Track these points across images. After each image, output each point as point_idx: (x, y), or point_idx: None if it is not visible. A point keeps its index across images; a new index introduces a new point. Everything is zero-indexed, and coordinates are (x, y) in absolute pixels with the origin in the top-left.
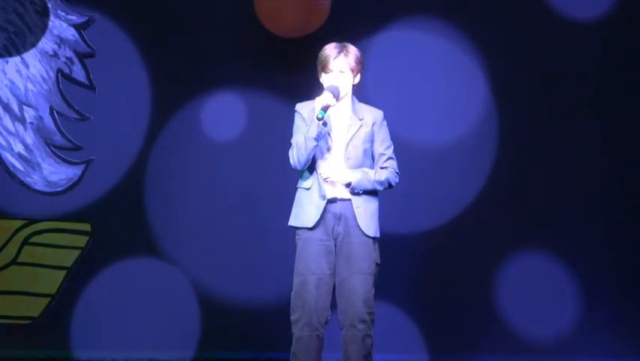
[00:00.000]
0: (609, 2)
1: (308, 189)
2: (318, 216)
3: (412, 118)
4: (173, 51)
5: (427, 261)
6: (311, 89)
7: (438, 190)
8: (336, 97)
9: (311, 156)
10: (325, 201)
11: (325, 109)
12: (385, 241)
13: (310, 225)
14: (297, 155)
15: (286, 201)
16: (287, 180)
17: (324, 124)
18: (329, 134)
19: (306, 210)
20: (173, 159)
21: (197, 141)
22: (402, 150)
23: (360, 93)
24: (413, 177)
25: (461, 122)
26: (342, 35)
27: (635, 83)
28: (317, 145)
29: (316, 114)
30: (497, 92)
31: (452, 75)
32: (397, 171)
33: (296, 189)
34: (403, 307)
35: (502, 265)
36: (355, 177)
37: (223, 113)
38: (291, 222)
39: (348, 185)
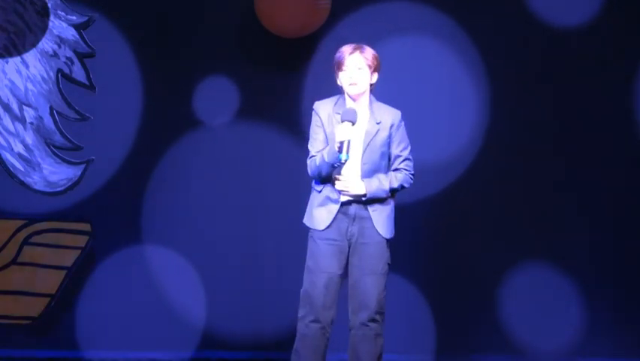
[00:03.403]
0: (593, 10)
1: (319, 191)
2: (330, 220)
3: (410, 118)
4: (170, 51)
5: (426, 263)
6: (311, 89)
7: (439, 201)
8: (354, 123)
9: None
10: (338, 205)
11: (346, 149)
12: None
13: (321, 228)
14: (316, 171)
15: (287, 198)
16: (287, 179)
17: (341, 163)
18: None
19: (317, 213)
20: (173, 159)
21: (197, 142)
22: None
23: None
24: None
25: (460, 128)
26: (342, 36)
27: (629, 86)
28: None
29: (340, 157)
30: (494, 97)
31: (448, 78)
32: (412, 172)
33: (311, 188)
34: (403, 305)
35: (503, 271)
36: (370, 188)
37: (222, 113)
38: (305, 220)
39: (363, 196)
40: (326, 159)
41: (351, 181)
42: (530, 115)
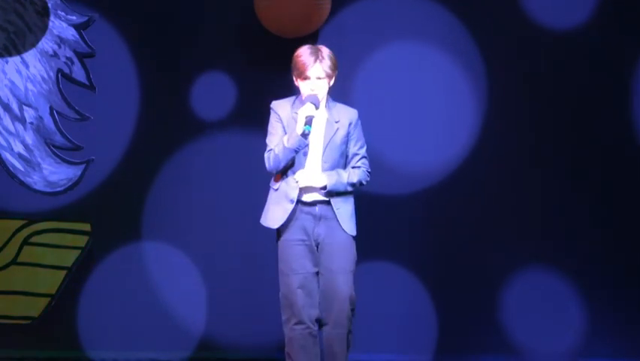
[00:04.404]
0: (590, 12)
1: (276, 190)
2: (284, 219)
3: (410, 116)
4: (170, 51)
5: (426, 264)
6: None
7: (443, 201)
8: (317, 107)
9: (288, 164)
10: (293, 204)
11: (309, 122)
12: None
13: (275, 226)
14: (274, 162)
15: None
16: None
17: (304, 136)
18: (307, 145)
19: (272, 210)
20: (172, 159)
21: (197, 141)
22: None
23: (360, 89)
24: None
25: (459, 127)
26: (342, 36)
27: (624, 88)
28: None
29: (302, 129)
30: (493, 97)
31: (447, 79)
32: (369, 170)
33: (269, 187)
34: (403, 306)
35: (503, 272)
36: (330, 180)
37: (222, 114)
38: (262, 219)
39: (323, 188)
40: (286, 145)
41: (312, 173)
42: (529, 116)
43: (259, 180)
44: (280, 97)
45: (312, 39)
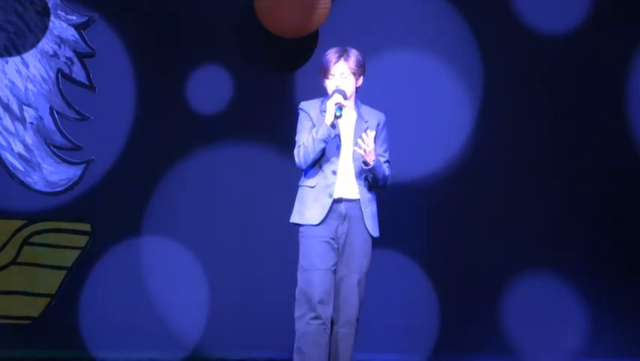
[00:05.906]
0: (585, 15)
1: (313, 187)
2: (324, 215)
3: (412, 115)
4: (169, 51)
5: (426, 264)
6: (310, 89)
7: (445, 203)
8: (345, 98)
9: (318, 157)
10: (332, 200)
11: (340, 107)
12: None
13: (315, 222)
14: (303, 155)
15: (287, 199)
16: (287, 180)
17: (333, 126)
18: (338, 136)
19: (310, 208)
20: (173, 159)
21: (198, 141)
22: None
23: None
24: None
25: (457, 132)
26: (342, 36)
27: (619, 90)
28: (325, 147)
29: (334, 113)
30: (487, 109)
31: (446, 83)
32: (391, 174)
33: (298, 186)
34: (403, 305)
35: (504, 273)
36: (377, 161)
37: (221, 115)
38: (295, 219)
39: (366, 164)
40: (315, 136)
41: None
42: (529, 116)
43: (259, 177)
44: (279, 96)
45: (312, 39)
